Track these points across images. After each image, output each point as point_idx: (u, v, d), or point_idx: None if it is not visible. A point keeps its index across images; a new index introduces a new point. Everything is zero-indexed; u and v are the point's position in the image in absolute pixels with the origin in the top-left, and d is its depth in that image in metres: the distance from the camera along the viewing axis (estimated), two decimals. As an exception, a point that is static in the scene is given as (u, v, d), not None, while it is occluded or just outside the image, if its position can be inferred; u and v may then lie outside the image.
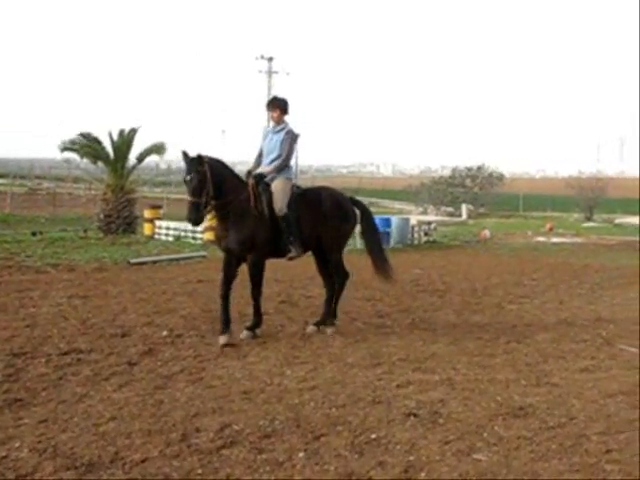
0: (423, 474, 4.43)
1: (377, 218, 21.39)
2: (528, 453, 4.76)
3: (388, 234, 20.61)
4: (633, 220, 35.55)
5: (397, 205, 52.08)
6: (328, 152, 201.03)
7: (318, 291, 9.92)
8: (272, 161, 8.08)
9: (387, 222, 21.09)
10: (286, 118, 8.24)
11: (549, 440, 4.98)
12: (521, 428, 5.21)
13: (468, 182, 48.46)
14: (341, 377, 6.47)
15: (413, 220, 23.32)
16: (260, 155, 8.27)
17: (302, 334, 8.12)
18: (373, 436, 5.02)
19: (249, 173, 8.10)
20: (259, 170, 8.08)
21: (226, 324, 7.67)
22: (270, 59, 77.85)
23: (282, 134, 8.11)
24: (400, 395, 5.95)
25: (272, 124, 8.35)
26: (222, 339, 7.55)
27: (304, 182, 29.42)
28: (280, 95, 8.67)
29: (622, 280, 13.16)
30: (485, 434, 5.10)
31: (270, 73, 77.43)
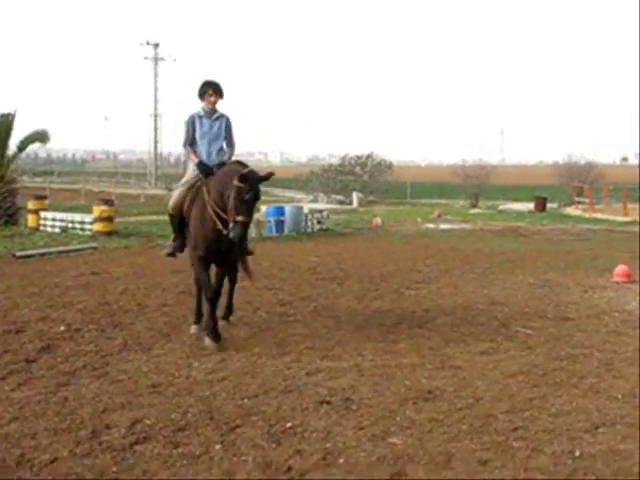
0: (341, 460, 4.46)
1: (271, 207, 21.73)
2: (441, 435, 4.89)
3: (282, 222, 20.67)
4: (515, 206, 37.16)
5: (287, 193, 52.25)
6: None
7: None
8: (220, 150, 7.76)
9: (280, 211, 21.13)
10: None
11: (459, 421, 5.13)
12: (431, 411, 5.34)
13: (358, 170, 49.19)
14: (250, 367, 6.43)
15: (306, 208, 23.41)
16: (192, 143, 7.68)
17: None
18: (288, 425, 5.02)
19: (204, 164, 7.50)
20: (218, 160, 7.59)
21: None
22: (156, 45, 76.40)
23: (224, 121, 7.76)
24: (311, 383, 5.98)
25: (205, 110, 7.73)
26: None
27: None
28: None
29: (510, 264, 13.71)
30: (398, 418, 5.20)
31: (156, 60, 75.96)
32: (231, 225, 6.85)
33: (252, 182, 6.79)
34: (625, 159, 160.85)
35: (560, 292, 10.49)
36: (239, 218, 6.76)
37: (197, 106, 7.78)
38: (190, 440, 4.71)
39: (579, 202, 34.69)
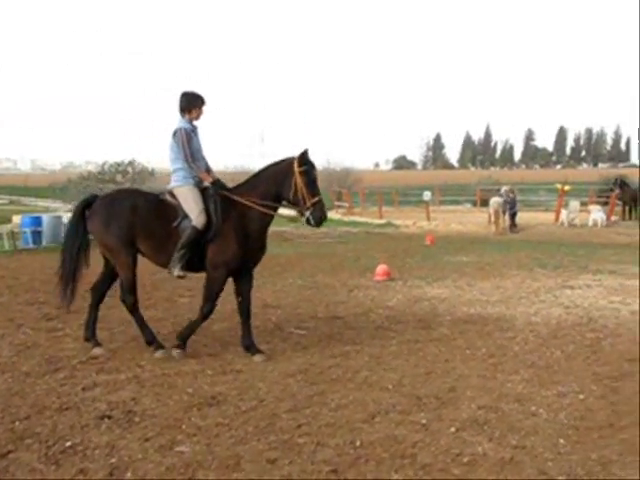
0: (129, 474, 4.34)
1: (26, 217, 20.32)
2: (228, 438, 4.91)
3: (39, 233, 19.47)
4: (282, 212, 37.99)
5: (41, 203, 49.19)
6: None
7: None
8: (206, 165, 7.35)
9: (37, 221, 19.89)
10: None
11: (245, 423, 5.20)
12: (217, 416, 5.35)
13: (119, 178, 47.55)
14: (19, 387, 6.01)
15: (65, 218, 22.21)
16: (194, 160, 7.16)
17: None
18: (68, 444, 4.77)
19: (221, 182, 7.22)
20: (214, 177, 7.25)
21: None
22: None
23: (198, 134, 7.34)
24: (88, 398, 5.72)
25: (191, 123, 7.29)
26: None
27: None
28: None
29: (279, 268, 14.03)
30: (184, 426, 5.14)
31: None
32: (307, 212, 6.91)
33: (311, 162, 7.00)
34: (377, 165, 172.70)
35: (328, 293, 10.98)
36: (315, 199, 6.90)
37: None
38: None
39: (339, 206, 36.46)
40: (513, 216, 24.87)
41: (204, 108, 7.32)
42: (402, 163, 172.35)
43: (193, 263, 7.07)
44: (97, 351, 7.16)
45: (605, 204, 29.42)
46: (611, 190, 29.95)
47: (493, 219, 24.35)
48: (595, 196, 31.80)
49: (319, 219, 6.98)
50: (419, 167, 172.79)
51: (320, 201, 6.97)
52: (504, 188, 26.37)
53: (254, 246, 7.12)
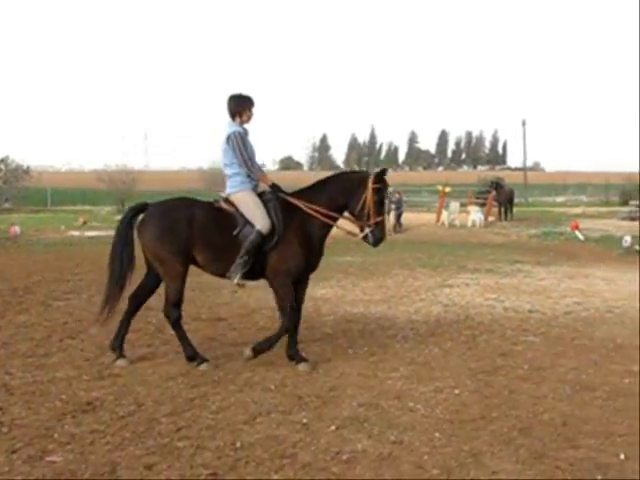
0: (-5, 489, 4.10)
1: None
2: (104, 445, 4.76)
3: None
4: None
5: None
6: None
7: None
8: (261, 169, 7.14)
9: None
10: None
11: (122, 429, 5.05)
12: (92, 422, 5.18)
13: (-11, 176, 45.29)
14: None
15: None
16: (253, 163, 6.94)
17: None
18: None
19: (277, 186, 6.99)
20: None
21: None
22: None
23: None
24: (-49, 409, 5.38)
25: (242, 127, 7.00)
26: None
27: None
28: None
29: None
30: (56, 435, 4.94)
31: None
32: (368, 229, 6.83)
33: (386, 181, 6.90)
34: (264, 165, 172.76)
35: (212, 294, 10.85)
36: (380, 218, 6.83)
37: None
38: None
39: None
40: (399, 216, 25.49)
41: (254, 110, 7.09)
42: (288, 163, 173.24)
43: (254, 271, 6.83)
44: (121, 362, 6.77)
45: (483, 205, 30.67)
46: (488, 192, 31.28)
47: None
48: (474, 197, 33.10)
49: (379, 239, 6.91)
50: (305, 168, 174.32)
51: (383, 221, 6.94)
52: (390, 189, 26.96)
53: (315, 253, 6.96)
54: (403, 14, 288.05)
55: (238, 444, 4.81)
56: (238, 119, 6.97)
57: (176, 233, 6.65)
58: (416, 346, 7.71)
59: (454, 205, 29.06)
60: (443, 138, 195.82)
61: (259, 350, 6.76)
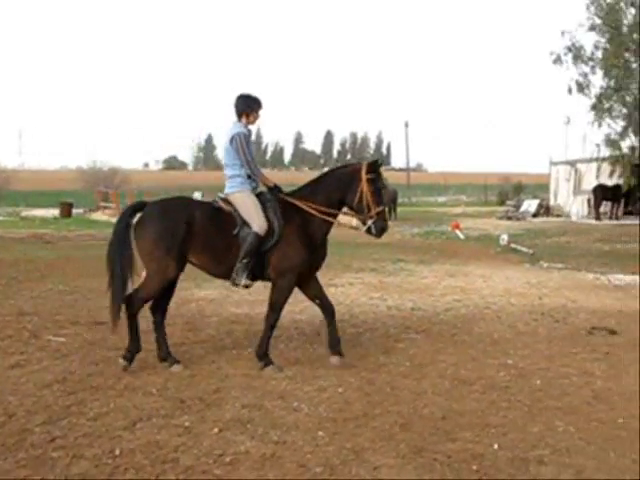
0: None
1: None
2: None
3: None
4: (39, 212, 35.78)
5: None
6: None
7: None
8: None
9: None
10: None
11: (-10, 442, 4.78)
12: (-42, 435, 4.87)
13: None
14: None
15: None
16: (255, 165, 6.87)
17: None
18: None
19: (276, 187, 6.93)
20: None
21: None
22: None
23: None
24: None
25: (247, 128, 6.92)
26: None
27: None
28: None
29: (38, 273, 13.16)
30: None
31: None
32: (370, 221, 6.76)
33: (379, 170, 6.81)
34: (147, 165, 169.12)
35: (92, 297, 10.46)
36: (380, 208, 6.74)
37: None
38: None
39: (105, 207, 35.13)
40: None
41: (261, 112, 6.98)
42: (173, 163, 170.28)
43: (255, 272, 6.71)
44: (176, 368, 6.58)
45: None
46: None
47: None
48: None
49: (381, 229, 6.87)
50: (190, 168, 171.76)
51: (384, 211, 6.88)
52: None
53: (318, 250, 6.87)
54: (285, 13, 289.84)
55: (117, 451, 4.67)
56: (244, 119, 6.94)
57: (174, 236, 6.52)
58: (301, 345, 7.74)
59: (340, 205, 29.40)
60: (329, 139, 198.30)
61: (261, 354, 6.83)
